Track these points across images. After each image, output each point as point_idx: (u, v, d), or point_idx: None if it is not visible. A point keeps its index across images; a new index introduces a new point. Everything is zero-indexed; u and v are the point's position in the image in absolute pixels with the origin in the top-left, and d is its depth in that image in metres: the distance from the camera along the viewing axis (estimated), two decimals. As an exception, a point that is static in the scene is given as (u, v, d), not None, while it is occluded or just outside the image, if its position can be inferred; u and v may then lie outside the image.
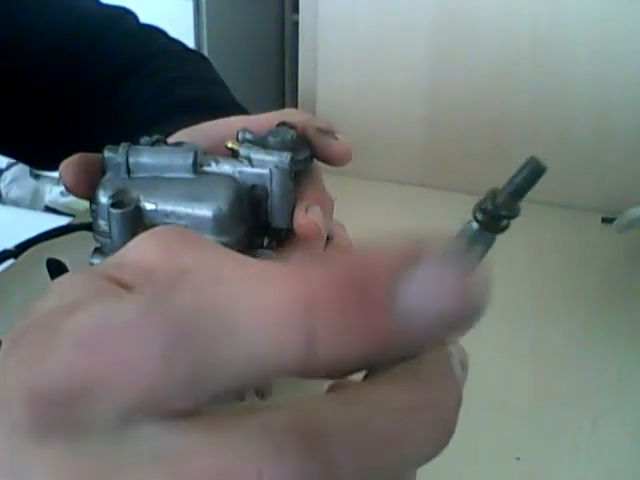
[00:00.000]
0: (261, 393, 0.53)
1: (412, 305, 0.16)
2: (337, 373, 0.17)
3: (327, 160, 0.48)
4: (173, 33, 0.71)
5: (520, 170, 0.18)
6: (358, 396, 0.19)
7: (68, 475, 0.18)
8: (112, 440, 0.18)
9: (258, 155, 0.45)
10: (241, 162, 0.46)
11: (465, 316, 0.16)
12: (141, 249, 0.22)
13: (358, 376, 0.21)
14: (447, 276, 0.16)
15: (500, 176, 0.19)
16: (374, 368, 0.20)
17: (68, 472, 0.18)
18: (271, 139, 0.46)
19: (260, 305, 0.16)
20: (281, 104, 1.72)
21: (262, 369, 0.17)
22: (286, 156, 0.45)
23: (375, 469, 0.18)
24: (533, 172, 0.18)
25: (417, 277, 0.16)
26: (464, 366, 0.20)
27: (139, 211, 0.44)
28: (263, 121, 0.48)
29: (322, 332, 0.16)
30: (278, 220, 0.46)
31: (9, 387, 0.19)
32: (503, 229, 0.20)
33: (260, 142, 0.46)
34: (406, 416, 0.18)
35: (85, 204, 0.48)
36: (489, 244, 0.20)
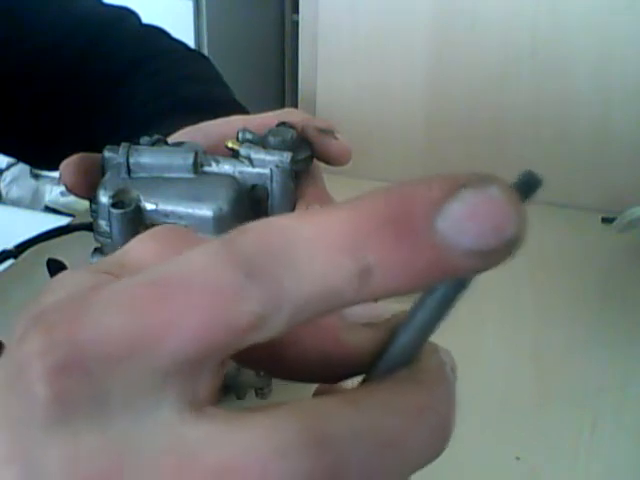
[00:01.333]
0: (261, 393, 0.53)
1: (450, 236, 0.16)
2: (383, 298, 0.18)
3: (327, 160, 0.48)
4: (173, 33, 0.71)
5: (512, 185, 0.17)
6: (363, 399, 0.19)
7: (85, 458, 0.18)
8: (134, 421, 0.18)
9: (259, 155, 0.45)
10: (242, 162, 0.46)
11: (499, 248, 0.16)
12: (140, 248, 0.22)
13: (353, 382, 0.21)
14: (482, 208, 0.16)
15: (500, 176, 0.19)
16: (372, 374, 0.20)
17: (85, 455, 0.18)
18: (271, 139, 0.46)
19: (315, 240, 0.17)
20: (281, 104, 1.72)
21: (321, 301, 0.17)
22: (286, 156, 0.45)
23: (378, 473, 0.18)
24: (526, 185, 0.17)
25: (454, 209, 0.16)
26: (454, 373, 0.21)
27: (139, 211, 0.44)
28: (263, 121, 0.48)
29: (370, 263, 0.17)
30: (278, 220, 0.46)
31: (29, 358, 0.18)
32: None
33: (260, 142, 0.46)
34: (410, 420, 0.19)
35: (85, 204, 0.48)
36: None
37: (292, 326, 0.18)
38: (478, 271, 0.17)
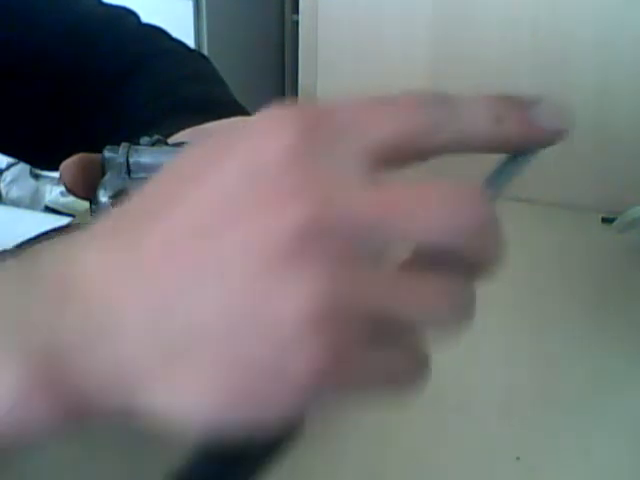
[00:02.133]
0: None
1: (540, 118, 0.31)
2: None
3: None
4: (173, 33, 0.71)
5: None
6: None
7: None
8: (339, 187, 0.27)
9: (258, 155, 0.45)
10: (241, 162, 0.46)
11: (563, 129, 0.31)
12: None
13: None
14: (554, 109, 0.31)
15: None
16: None
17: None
18: (271, 139, 0.46)
19: (468, 100, 0.30)
20: (281, 104, 1.72)
21: (470, 135, 0.30)
22: (286, 156, 0.45)
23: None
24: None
25: (540, 107, 0.31)
26: None
27: (139, 211, 0.44)
28: (264, 121, 0.48)
29: (502, 116, 0.30)
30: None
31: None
32: None
33: (260, 142, 0.46)
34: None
35: (85, 204, 0.48)
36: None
37: (443, 148, 0.30)
38: (549, 142, 0.31)
